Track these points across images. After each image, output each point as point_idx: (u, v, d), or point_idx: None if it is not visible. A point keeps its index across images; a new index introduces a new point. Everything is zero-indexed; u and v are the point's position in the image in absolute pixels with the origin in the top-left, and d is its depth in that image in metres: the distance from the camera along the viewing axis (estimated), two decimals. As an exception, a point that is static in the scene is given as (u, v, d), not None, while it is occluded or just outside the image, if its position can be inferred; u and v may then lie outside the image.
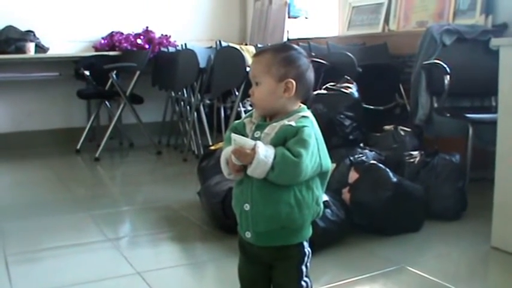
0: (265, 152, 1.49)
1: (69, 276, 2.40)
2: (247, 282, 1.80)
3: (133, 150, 5.69)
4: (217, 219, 2.90)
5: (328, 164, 1.61)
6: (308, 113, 1.60)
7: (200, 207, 3.23)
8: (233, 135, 1.56)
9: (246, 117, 1.68)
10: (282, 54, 1.60)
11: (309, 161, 1.51)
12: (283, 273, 1.71)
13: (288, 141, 1.52)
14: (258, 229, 1.62)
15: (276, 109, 1.60)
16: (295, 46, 1.66)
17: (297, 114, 1.58)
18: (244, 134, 1.64)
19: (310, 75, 1.63)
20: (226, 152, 1.61)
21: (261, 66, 1.60)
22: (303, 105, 1.64)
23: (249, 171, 1.52)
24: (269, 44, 5.40)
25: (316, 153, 1.53)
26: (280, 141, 1.54)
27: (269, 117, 1.62)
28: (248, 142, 1.51)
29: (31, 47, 5.54)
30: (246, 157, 1.52)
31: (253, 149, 1.50)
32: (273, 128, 1.57)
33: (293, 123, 1.54)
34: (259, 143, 1.51)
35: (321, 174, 1.61)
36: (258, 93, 1.60)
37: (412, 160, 3.23)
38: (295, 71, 1.59)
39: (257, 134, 1.59)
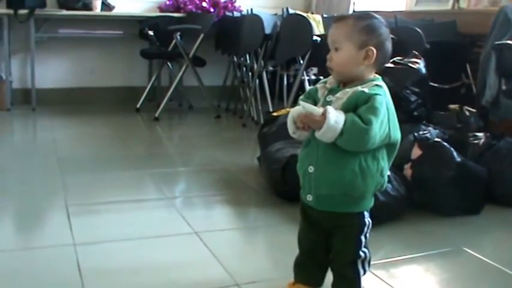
0: (335, 118, 1.50)
1: (128, 230, 2.45)
2: (306, 247, 1.82)
3: (192, 113, 5.73)
4: (276, 186, 2.90)
5: (398, 136, 1.61)
6: (382, 82, 1.61)
7: (258, 172, 3.24)
8: (302, 103, 1.59)
9: (320, 83, 1.69)
10: (364, 21, 1.60)
11: (378, 130, 1.51)
12: (342, 241, 1.72)
13: (359, 107, 1.54)
14: (320, 192, 1.64)
15: (353, 76, 1.61)
16: (376, 15, 1.65)
17: (371, 82, 1.59)
18: (316, 99, 1.67)
19: (389, 45, 1.63)
20: (295, 111, 1.63)
21: (342, 32, 1.60)
22: (378, 75, 1.64)
23: (318, 135, 1.54)
24: (335, 15, 5.36)
25: (386, 123, 1.54)
26: (351, 106, 1.55)
27: (343, 83, 1.63)
28: (316, 110, 1.53)
29: (97, 4, 5.60)
30: (315, 123, 1.54)
31: (324, 114, 1.51)
32: (345, 93, 1.58)
33: (366, 90, 1.55)
34: (330, 108, 1.52)
35: (389, 145, 1.62)
36: (337, 58, 1.60)
37: (476, 141, 3.16)
38: (376, 40, 1.59)
39: (329, 98, 1.61)
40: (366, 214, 1.70)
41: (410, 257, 2.29)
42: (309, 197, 1.68)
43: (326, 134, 1.52)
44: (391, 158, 1.67)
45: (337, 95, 1.59)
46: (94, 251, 2.22)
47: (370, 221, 1.71)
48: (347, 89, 1.59)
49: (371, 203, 1.70)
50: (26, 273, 2.01)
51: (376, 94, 1.53)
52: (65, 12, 5.45)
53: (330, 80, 1.67)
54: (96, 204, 2.80)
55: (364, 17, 1.63)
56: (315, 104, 1.66)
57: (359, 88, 1.56)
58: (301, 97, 1.73)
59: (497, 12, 3.74)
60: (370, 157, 1.59)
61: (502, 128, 3.35)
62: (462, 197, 2.76)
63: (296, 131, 1.66)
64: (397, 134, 1.60)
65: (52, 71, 5.81)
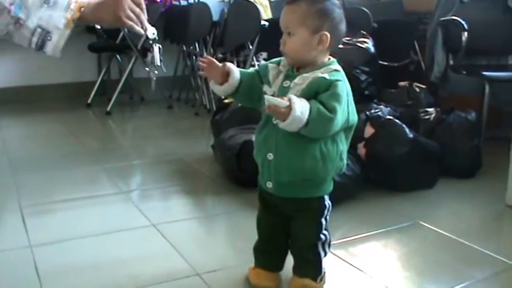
0: (301, 108, 1.47)
1: (85, 227, 2.41)
2: (265, 232, 1.82)
3: (144, 105, 5.67)
4: (232, 173, 2.89)
5: (355, 119, 1.61)
6: (338, 66, 1.60)
7: (213, 160, 3.23)
8: (266, 97, 1.54)
9: (271, 62, 1.67)
10: (317, 5, 1.57)
11: (341, 117, 1.51)
12: (302, 225, 1.72)
13: (320, 94, 1.51)
14: (281, 179, 1.63)
15: (307, 60, 1.59)
16: None
17: (329, 67, 1.57)
18: (264, 78, 1.65)
19: (343, 27, 1.62)
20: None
21: (295, 16, 1.57)
22: (332, 58, 1.63)
23: (283, 126, 1.51)
24: (282, -1, 5.36)
25: (346, 109, 1.53)
26: (312, 93, 1.53)
27: (297, 68, 1.61)
28: (282, 102, 1.48)
29: None
30: (281, 115, 1.49)
31: (289, 106, 1.47)
32: (304, 79, 1.56)
33: (327, 76, 1.53)
34: (294, 99, 1.48)
35: (347, 128, 1.62)
36: (290, 43, 1.58)
37: (427, 117, 3.21)
38: (330, 23, 1.57)
39: (286, 83, 1.59)
40: (326, 197, 1.71)
41: (369, 234, 2.32)
42: (269, 184, 1.67)
43: (291, 125, 1.49)
44: (348, 140, 1.67)
45: (295, 80, 1.57)
46: (51, 251, 2.18)
47: (330, 204, 1.72)
48: (305, 74, 1.56)
49: (331, 186, 1.71)
50: (-19, 279, 1.97)
51: (338, 80, 1.52)
52: (7, 9, 5.31)
53: (283, 63, 1.64)
54: (51, 203, 2.74)
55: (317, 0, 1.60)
56: (261, 81, 1.66)
57: (319, 74, 1.54)
58: (253, 68, 1.72)
59: (441, -11, 3.80)
60: (329, 141, 1.59)
61: (452, 102, 3.41)
62: (416, 172, 2.81)
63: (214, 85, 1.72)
64: (354, 118, 1.60)
65: (-2, 71, 5.67)
